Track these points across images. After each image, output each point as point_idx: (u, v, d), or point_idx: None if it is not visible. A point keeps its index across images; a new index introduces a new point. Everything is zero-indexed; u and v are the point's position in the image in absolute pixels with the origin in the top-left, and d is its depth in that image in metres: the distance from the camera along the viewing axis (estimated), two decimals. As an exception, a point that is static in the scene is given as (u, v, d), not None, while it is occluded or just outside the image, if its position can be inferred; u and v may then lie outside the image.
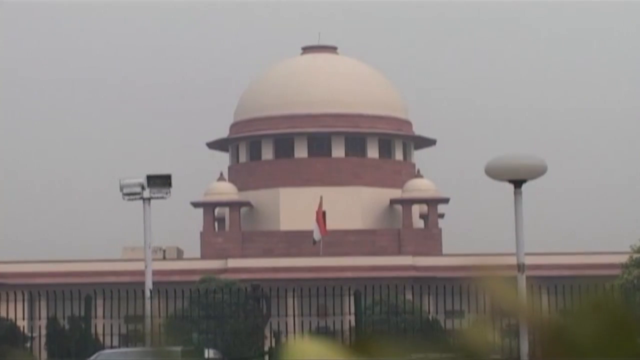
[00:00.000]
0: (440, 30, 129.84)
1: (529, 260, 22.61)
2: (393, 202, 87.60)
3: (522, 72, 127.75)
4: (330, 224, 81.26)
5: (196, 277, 64.99)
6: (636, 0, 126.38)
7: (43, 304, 59.38)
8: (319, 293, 47.76)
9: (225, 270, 76.03)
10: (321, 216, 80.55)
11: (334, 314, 57.39)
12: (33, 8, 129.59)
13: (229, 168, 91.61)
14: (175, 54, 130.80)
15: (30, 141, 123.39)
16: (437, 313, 58.41)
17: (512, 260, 21.64)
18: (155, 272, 38.92)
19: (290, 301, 50.22)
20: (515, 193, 21.45)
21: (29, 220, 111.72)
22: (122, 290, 45.38)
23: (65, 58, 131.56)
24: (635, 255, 55.19)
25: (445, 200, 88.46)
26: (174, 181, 37.40)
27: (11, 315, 49.69)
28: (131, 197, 37.06)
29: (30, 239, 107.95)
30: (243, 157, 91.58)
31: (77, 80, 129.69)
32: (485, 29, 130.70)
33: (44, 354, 47.02)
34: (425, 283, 63.44)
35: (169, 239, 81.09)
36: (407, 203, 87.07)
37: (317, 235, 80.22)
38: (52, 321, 49.84)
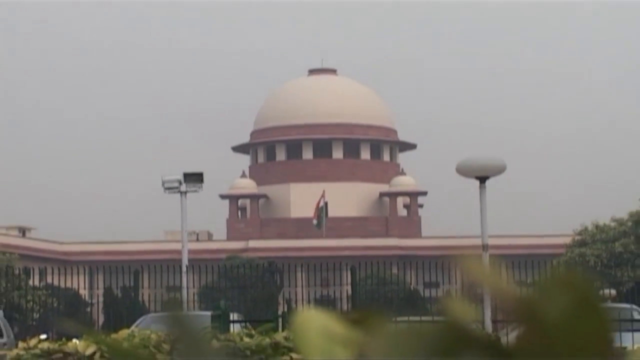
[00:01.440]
0: (421, 53, 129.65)
1: (491, 241, 22.54)
2: (382, 194, 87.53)
3: (485, 88, 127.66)
4: (331, 213, 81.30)
5: (223, 256, 64.91)
6: (584, 7, 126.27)
7: (100, 277, 59.40)
8: (322, 268, 47.74)
9: (247, 250, 75.92)
10: (316, 205, 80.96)
11: (334, 284, 57.34)
12: (91, 12, 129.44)
13: (250, 167, 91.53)
14: (207, 76, 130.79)
15: (90, 143, 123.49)
16: (417, 284, 58.47)
17: (478, 241, 21.63)
18: (190, 251, 38.83)
19: (299, 274, 50.23)
20: (480, 187, 21.38)
21: (88, 209, 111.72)
22: (163, 266, 45.38)
23: (121, 71, 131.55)
24: (577, 237, 55.04)
25: (424, 193, 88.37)
26: (205, 177, 37.38)
27: (75, 286, 49.70)
28: (171, 190, 37.03)
29: (89, 224, 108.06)
30: (261, 159, 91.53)
31: (132, 95, 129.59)
32: (458, 52, 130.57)
33: (101, 317, 47.06)
34: (408, 260, 63.41)
35: (201, 224, 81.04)
36: (393, 195, 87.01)
37: (314, 220, 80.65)
38: (107, 291, 49.84)
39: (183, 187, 36.47)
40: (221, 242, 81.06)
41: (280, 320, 20.15)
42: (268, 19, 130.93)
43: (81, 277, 52.97)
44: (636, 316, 23.06)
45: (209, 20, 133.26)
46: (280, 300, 52.03)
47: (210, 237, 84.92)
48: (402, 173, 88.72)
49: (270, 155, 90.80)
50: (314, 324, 0.69)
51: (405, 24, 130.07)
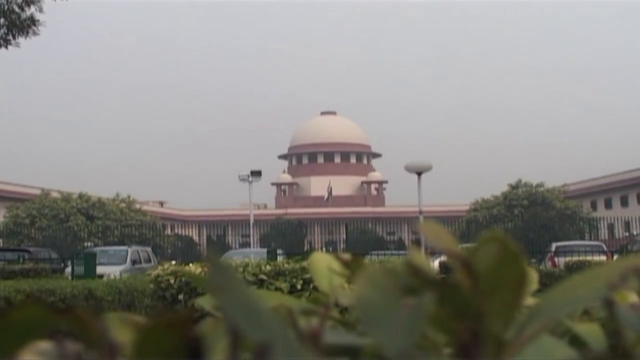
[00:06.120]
0: (384, 100, 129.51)
1: (425, 208, 22.47)
2: (362, 182, 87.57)
3: (424, 118, 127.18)
4: (334, 193, 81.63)
5: (273, 217, 64.86)
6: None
7: (204, 229, 59.45)
8: (329, 224, 47.76)
9: (287, 214, 75.63)
10: (328, 190, 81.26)
11: (336, 234, 57.20)
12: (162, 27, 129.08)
13: (288, 167, 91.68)
14: (265, 115, 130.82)
15: (198, 149, 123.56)
16: (382, 233, 58.51)
17: (417, 208, 21.57)
18: (254, 215, 38.95)
19: (316, 228, 50.37)
20: (418, 178, 21.41)
21: (196, 190, 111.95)
22: (239, 223, 45.43)
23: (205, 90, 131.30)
24: (472, 206, 54.71)
25: (386, 182, 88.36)
26: (262, 173, 37.32)
27: (190, 234, 49.83)
28: (243, 181, 36.98)
29: (198, 199, 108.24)
30: (294, 162, 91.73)
31: (223, 124, 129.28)
32: (415, 86, 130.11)
33: (205, 252, 47.16)
34: (377, 220, 63.52)
35: (261, 199, 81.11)
36: (369, 183, 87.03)
37: (325, 197, 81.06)
38: (209, 237, 50.06)
39: (250, 179, 36.48)
40: (272, 210, 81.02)
41: (305, 254, 20.20)
42: (299, 82, 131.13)
43: (194, 229, 53.14)
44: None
45: (268, 80, 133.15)
46: (306, 242, 52.12)
47: (265, 207, 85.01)
48: (374, 170, 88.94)
49: (299, 160, 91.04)
50: (321, 260, 0.74)
51: (376, 81, 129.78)
